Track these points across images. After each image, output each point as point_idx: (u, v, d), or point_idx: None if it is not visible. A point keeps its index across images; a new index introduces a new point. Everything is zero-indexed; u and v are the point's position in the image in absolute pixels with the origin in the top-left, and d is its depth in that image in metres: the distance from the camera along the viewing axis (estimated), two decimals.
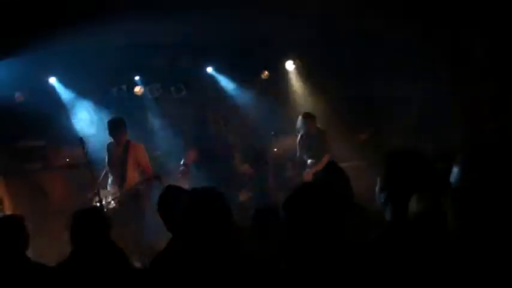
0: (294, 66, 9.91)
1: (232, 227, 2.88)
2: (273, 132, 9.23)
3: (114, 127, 7.06)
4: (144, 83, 9.08)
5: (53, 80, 8.43)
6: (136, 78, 9.04)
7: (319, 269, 2.39)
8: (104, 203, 6.43)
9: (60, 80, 8.45)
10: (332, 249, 2.43)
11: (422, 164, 2.55)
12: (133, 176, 6.95)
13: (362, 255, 2.37)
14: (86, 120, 8.47)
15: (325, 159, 7.98)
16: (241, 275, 2.59)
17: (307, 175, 8.01)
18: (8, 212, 6.85)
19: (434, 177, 2.50)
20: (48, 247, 5.89)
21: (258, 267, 2.66)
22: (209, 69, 9.52)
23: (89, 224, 3.79)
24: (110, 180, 7.11)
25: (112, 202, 6.72)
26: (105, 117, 7.89)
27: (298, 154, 8.32)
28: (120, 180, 6.94)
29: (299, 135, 8.38)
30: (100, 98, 8.67)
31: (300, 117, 8.37)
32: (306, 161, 8.30)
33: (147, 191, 6.85)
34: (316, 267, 2.40)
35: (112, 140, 7.14)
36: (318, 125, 8.34)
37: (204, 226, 2.69)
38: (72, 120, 8.45)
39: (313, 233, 2.46)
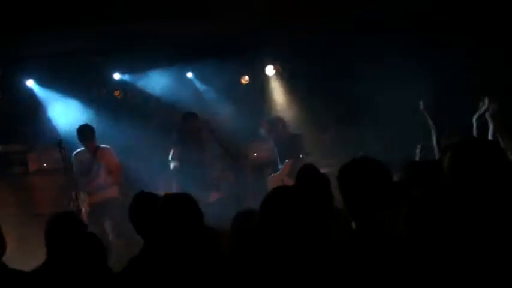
0: (274, 71, 9.94)
1: (207, 231, 2.89)
2: (251, 138, 9.26)
3: (85, 134, 7.02)
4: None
5: (30, 83, 8.35)
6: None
7: (294, 273, 2.39)
8: (81, 207, 6.42)
9: (38, 82, 8.37)
10: (306, 253, 2.44)
11: (381, 176, 2.53)
12: (105, 180, 7.01)
13: (331, 259, 2.39)
14: (66, 121, 8.39)
15: (286, 165, 7.93)
16: (219, 280, 2.59)
17: (271, 181, 7.99)
18: None
19: (392, 191, 2.51)
20: (30, 253, 5.81)
21: (238, 271, 2.65)
22: (189, 75, 9.51)
23: (63, 229, 3.76)
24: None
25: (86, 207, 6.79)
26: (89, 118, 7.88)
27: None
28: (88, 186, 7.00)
29: (272, 141, 8.37)
30: (81, 99, 8.65)
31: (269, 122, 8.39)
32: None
33: (115, 193, 7.02)
34: (292, 271, 2.39)
35: (81, 147, 7.08)
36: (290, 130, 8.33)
37: (176, 231, 2.69)
38: (51, 123, 8.39)
39: (286, 237, 2.46)
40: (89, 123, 7.21)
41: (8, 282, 3.61)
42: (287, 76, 9.92)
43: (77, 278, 3.28)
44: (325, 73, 9.29)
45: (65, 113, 8.50)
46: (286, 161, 7.86)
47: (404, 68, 8.33)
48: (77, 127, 7.12)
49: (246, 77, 9.53)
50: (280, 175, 7.94)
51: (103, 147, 7.14)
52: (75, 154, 7.10)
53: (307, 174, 4.09)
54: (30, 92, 8.33)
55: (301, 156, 7.91)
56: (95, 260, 3.35)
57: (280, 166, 8.14)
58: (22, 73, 8.23)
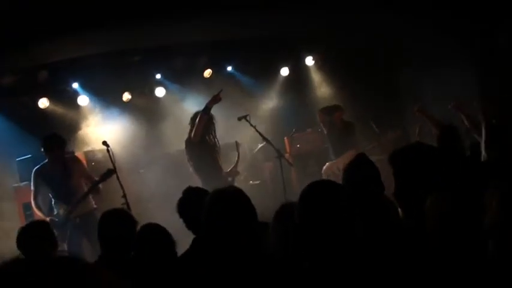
0: (313, 61, 9.89)
1: (257, 225, 2.89)
2: (294, 129, 9.25)
3: (53, 144, 6.41)
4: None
5: (76, 85, 8.53)
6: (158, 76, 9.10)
7: (340, 268, 2.29)
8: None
9: (82, 85, 8.55)
10: (351, 246, 2.33)
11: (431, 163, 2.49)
12: (81, 187, 6.59)
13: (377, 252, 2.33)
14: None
15: (348, 155, 7.94)
16: (262, 273, 2.58)
17: (328, 168, 7.99)
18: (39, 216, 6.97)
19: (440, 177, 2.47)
20: None
21: (279, 265, 2.62)
22: (229, 68, 9.56)
23: (117, 224, 3.85)
24: (53, 202, 6.56)
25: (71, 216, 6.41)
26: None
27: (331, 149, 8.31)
28: (68, 196, 6.44)
29: (326, 129, 8.35)
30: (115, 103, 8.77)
31: (323, 110, 8.35)
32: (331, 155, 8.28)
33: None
34: (337, 266, 2.30)
35: (46, 160, 6.48)
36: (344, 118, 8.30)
37: (227, 225, 2.70)
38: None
39: (328, 230, 2.34)
40: (54, 132, 6.66)
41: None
42: (328, 66, 9.86)
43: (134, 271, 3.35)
44: (367, 63, 9.20)
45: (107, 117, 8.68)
46: (348, 151, 7.86)
47: (449, 58, 8.20)
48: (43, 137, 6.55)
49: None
50: (338, 163, 7.94)
51: (72, 156, 6.91)
52: (39, 171, 6.55)
53: (362, 163, 3.99)
54: (75, 95, 8.51)
55: (356, 146, 7.92)
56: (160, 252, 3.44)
57: (333, 155, 8.14)
58: (68, 76, 8.39)
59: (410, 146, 2.58)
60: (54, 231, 5.98)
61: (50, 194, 6.57)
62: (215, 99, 6.69)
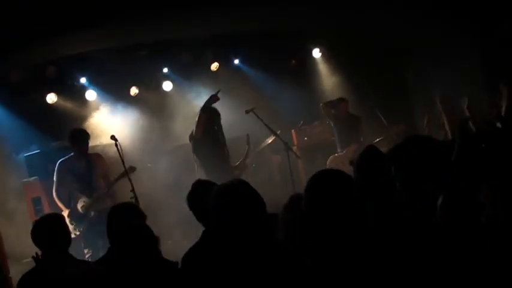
0: (320, 54, 9.86)
1: (267, 217, 2.88)
2: (301, 122, 9.24)
3: (81, 138, 6.68)
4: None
5: (83, 80, 8.53)
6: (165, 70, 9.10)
7: (343, 263, 2.24)
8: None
9: (90, 80, 8.56)
10: (362, 238, 2.28)
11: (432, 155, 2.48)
12: (100, 183, 6.76)
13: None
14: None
15: (352, 148, 7.93)
16: (268, 267, 2.57)
17: (332, 160, 7.99)
18: (48, 211, 7.01)
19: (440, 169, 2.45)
20: None
21: (286, 258, 2.60)
22: (236, 61, 9.55)
23: (125, 218, 3.87)
24: (74, 195, 6.68)
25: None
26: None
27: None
28: (90, 190, 6.66)
29: (332, 122, 8.34)
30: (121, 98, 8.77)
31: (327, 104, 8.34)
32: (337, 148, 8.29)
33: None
34: (340, 261, 2.24)
35: (73, 153, 6.69)
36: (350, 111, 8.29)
37: (232, 217, 2.69)
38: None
39: (338, 220, 2.27)
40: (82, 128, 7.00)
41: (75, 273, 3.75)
42: (335, 58, 9.83)
43: (142, 266, 3.36)
44: (375, 55, 9.17)
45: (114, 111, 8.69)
46: (352, 145, 7.89)
47: (455, 50, 8.15)
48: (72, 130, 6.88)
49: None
50: (342, 157, 7.94)
51: (98, 154, 6.99)
52: (63, 163, 6.72)
53: (374, 155, 3.95)
54: (83, 90, 8.53)
55: (361, 139, 7.92)
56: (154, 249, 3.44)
57: (339, 148, 8.15)
58: (76, 72, 8.41)
59: (413, 141, 2.53)
60: (73, 223, 6.23)
61: (73, 187, 6.67)
62: (212, 99, 6.91)
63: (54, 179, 6.72)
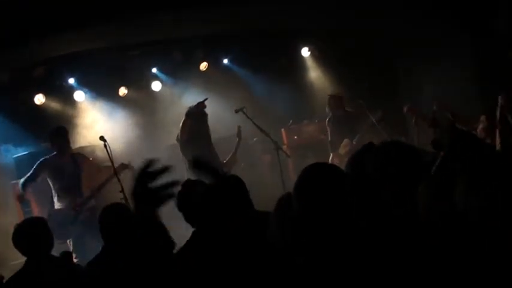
0: (309, 52, 9.86)
1: (256, 215, 2.87)
2: (291, 121, 9.25)
3: (59, 136, 6.45)
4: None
5: (71, 81, 8.48)
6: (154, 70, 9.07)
7: (335, 262, 2.19)
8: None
9: (78, 81, 8.52)
10: (352, 236, 2.22)
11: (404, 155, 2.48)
12: (88, 185, 6.60)
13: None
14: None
15: (344, 144, 7.92)
16: (264, 264, 2.56)
17: (333, 159, 7.99)
18: (36, 212, 6.97)
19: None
20: None
21: (276, 257, 2.53)
22: (225, 61, 9.53)
23: (117, 219, 3.86)
24: (56, 195, 6.50)
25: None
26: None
27: (329, 139, 8.27)
28: (75, 189, 6.48)
29: (327, 119, 8.32)
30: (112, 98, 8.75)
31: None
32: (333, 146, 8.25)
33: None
34: (333, 260, 2.19)
35: (55, 152, 6.46)
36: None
37: (224, 216, 2.69)
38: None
39: (326, 221, 2.21)
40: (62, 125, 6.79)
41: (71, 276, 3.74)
42: (323, 57, 9.84)
43: (135, 264, 3.35)
44: (365, 53, 9.19)
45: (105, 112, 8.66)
46: (346, 140, 7.87)
47: (446, 50, 8.18)
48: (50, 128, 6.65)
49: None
50: (340, 155, 7.93)
51: (84, 155, 6.87)
52: (45, 162, 6.51)
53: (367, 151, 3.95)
54: (71, 90, 8.48)
55: (358, 135, 7.91)
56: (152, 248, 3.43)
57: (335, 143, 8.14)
58: (64, 72, 8.36)
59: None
60: (55, 224, 6.04)
61: (55, 186, 6.49)
62: (199, 106, 6.91)
63: (30, 172, 6.44)
